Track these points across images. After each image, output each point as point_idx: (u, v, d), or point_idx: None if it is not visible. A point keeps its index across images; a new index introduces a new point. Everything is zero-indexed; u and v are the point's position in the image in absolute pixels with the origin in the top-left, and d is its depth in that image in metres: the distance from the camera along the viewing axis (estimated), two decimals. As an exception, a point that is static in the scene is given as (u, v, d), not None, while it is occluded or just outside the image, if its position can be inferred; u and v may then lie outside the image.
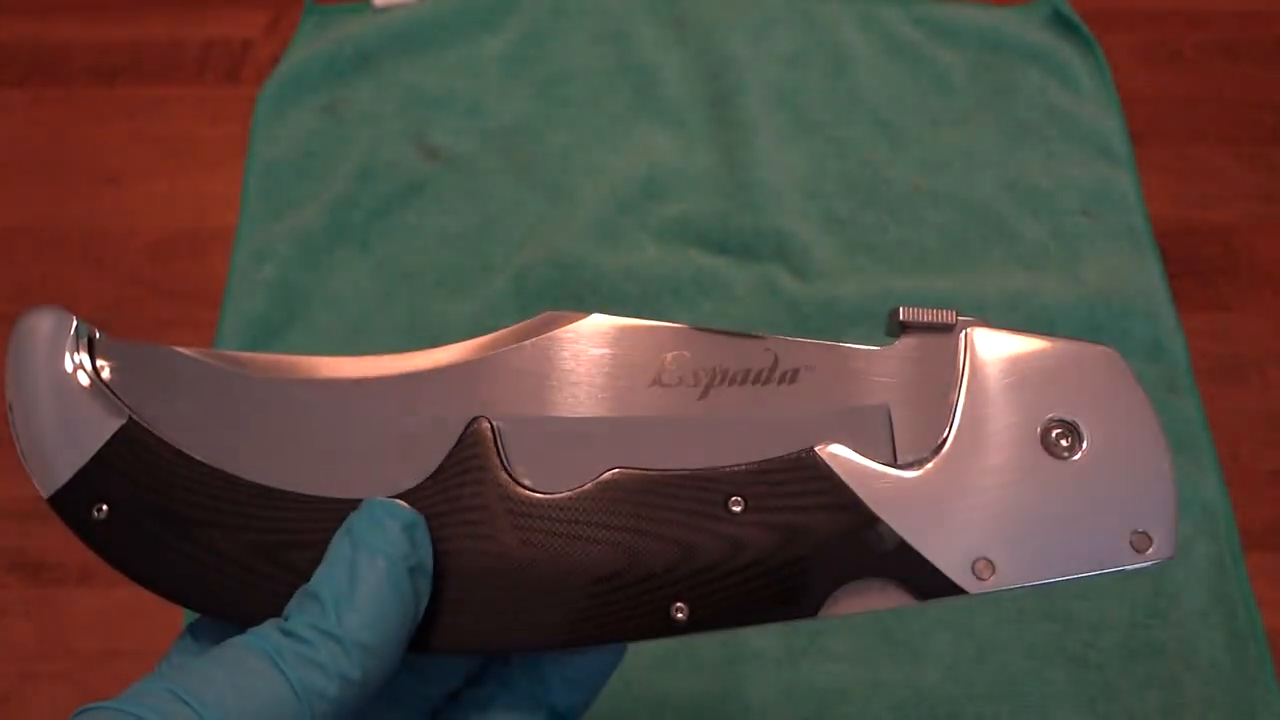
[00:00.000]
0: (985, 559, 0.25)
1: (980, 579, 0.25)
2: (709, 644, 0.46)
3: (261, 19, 0.64)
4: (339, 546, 0.25)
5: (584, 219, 0.56)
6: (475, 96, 0.60)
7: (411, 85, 0.61)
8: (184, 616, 0.47)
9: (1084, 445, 0.26)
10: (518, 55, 0.62)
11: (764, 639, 0.46)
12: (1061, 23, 0.63)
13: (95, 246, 0.57)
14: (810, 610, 0.26)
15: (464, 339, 0.57)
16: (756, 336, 0.28)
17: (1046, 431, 0.27)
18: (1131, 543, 0.26)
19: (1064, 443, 0.26)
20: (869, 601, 0.26)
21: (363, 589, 0.24)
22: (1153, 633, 0.46)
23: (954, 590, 0.25)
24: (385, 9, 0.63)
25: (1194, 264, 0.56)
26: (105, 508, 0.26)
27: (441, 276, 0.55)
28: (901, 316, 0.28)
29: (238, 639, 0.24)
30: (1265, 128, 0.61)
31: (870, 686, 0.45)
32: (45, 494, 0.27)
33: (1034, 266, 0.55)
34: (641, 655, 0.46)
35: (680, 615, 0.25)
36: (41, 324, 0.27)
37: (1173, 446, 0.50)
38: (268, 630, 0.24)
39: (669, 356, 0.28)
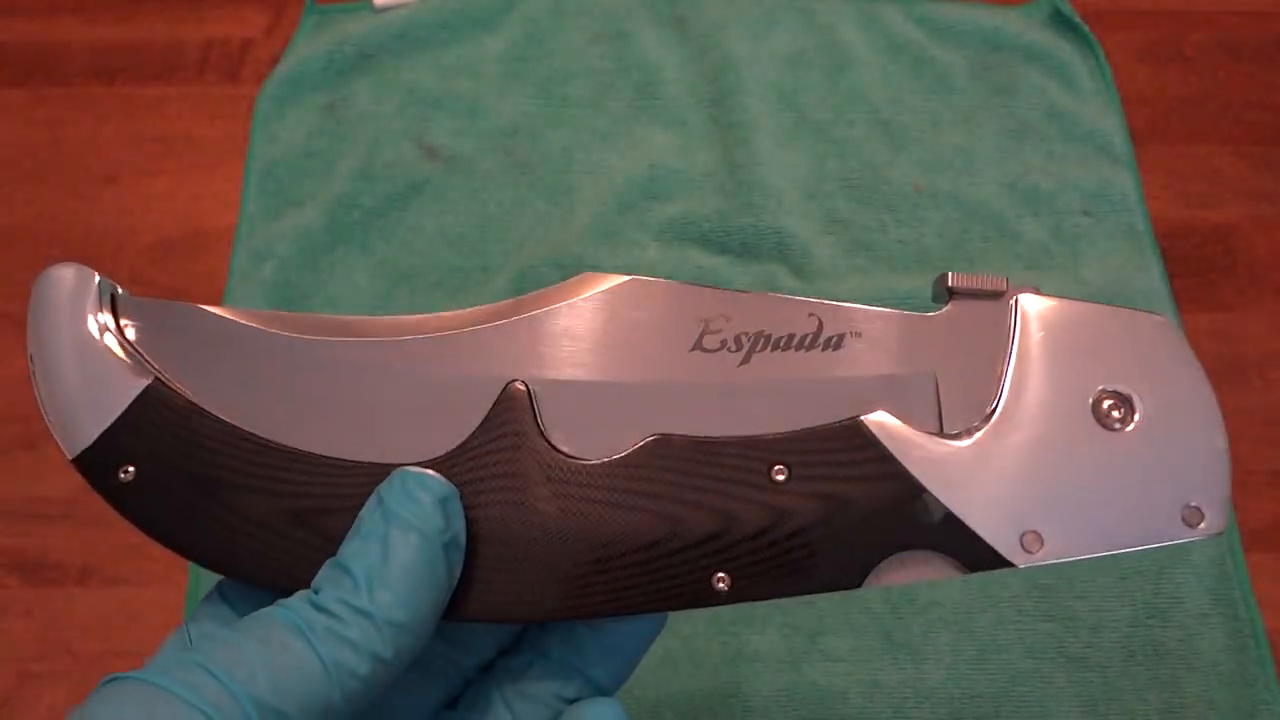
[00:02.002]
0: (1034, 531, 0.25)
1: (1028, 552, 0.25)
2: (709, 644, 0.46)
3: (261, 19, 0.64)
4: (371, 519, 0.24)
5: (584, 219, 0.56)
6: (475, 96, 0.60)
7: (411, 85, 0.61)
8: (184, 615, 0.47)
9: (1136, 416, 0.26)
10: (518, 55, 0.62)
11: (764, 639, 0.46)
12: (1062, 23, 0.63)
13: (95, 246, 0.57)
14: (854, 581, 0.25)
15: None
16: (800, 300, 0.27)
17: (1098, 402, 0.26)
18: (1183, 517, 0.25)
19: (1116, 414, 0.26)
20: (915, 573, 0.25)
21: (395, 565, 0.23)
22: (1153, 633, 0.46)
23: (1001, 563, 0.25)
24: (385, 9, 0.63)
25: (1194, 264, 0.56)
26: (131, 470, 0.26)
27: (441, 276, 0.55)
28: (950, 283, 0.27)
29: (268, 611, 0.23)
30: (1265, 128, 0.61)
31: (870, 687, 0.45)
32: (70, 455, 0.26)
33: (1034, 266, 0.55)
34: (641, 655, 0.46)
35: (722, 585, 0.25)
36: (63, 281, 0.27)
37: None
38: (299, 604, 0.23)
39: (710, 321, 0.27)
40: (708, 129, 0.59)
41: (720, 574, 0.25)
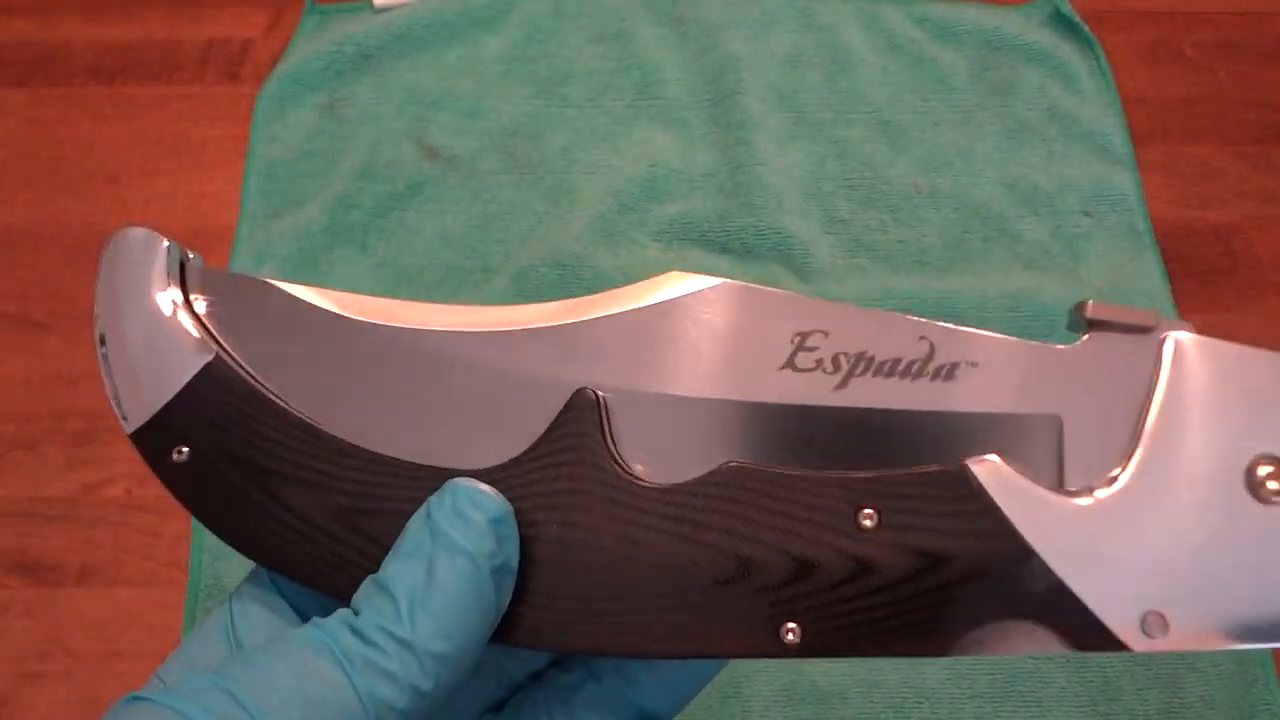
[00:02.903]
0: (1158, 613, 0.22)
1: (1149, 636, 0.22)
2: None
3: (261, 19, 0.64)
4: (417, 536, 0.23)
5: (584, 219, 0.56)
6: (475, 96, 0.60)
7: (411, 85, 0.61)
8: (183, 616, 0.47)
9: None
10: (518, 55, 0.62)
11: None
12: (1062, 23, 0.63)
13: (95, 246, 0.56)
14: (940, 648, 0.22)
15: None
16: (913, 320, 0.24)
17: (1253, 468, 0.22)
18: None
19: (1274, 484, 0.22)
20: (1013, 645, 0.22)
21: (440, 591, 0.22)
22: (1153, 633, 0.46)
23: (1116, 646, 0.22)
24: (385, 9, 0.63)
25: (1194, 264, 0.56)
26: (186, 450, 0.25)
27: (441, 276, 0.55)
28: (1090, 313, 0.23)
29: (304, 633, 0.22)
30: (1265, 128, 0.61)
31: (870, 686, 0.45)
32: (127, 430, 0.25)
33: (1034, 266, 0.55)
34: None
35: (791, 637, 0.23)
36: (131, 247, 0.26)
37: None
38: (337, 627, 0.22)
39: (807, 336, 0.24)
40: (708, 129, 0.59)
41: (791, 624, 0.22)
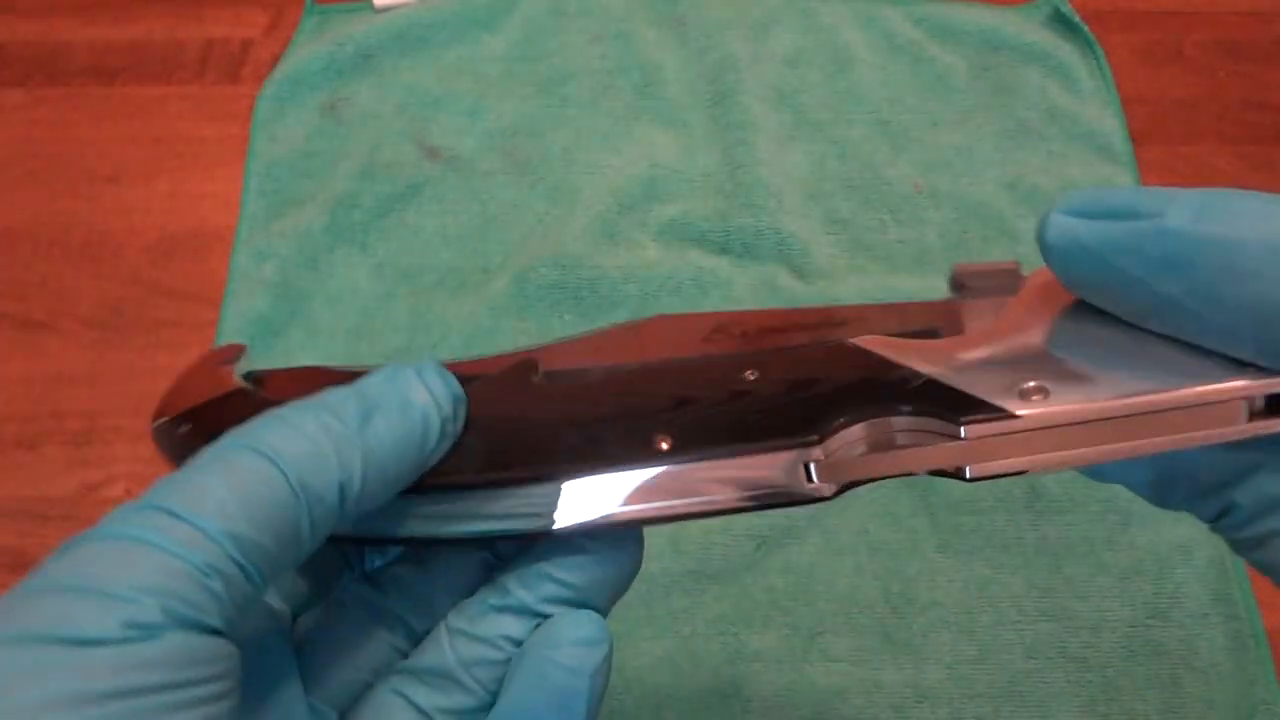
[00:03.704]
0: (1040, 386, 0.23)
1: (1031, 399, 0.23)
2: (709, 644, 0.46)
3: (261, 19, 0.64)
4: (389, 368, 0.24)
5: (584, 219, 0.56)
6: (475, 96, 0.60)
7: (411, 85, 0.61)
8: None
9: None
10: (518, 55, 0.62)
11: (764, 639, 0.46)
12: (1062, 23, 0.63)
13: (95, 246, 0.57)
14: (817, 437, 0.24)
15: (464, 339, 0.57)
16: (807, 307, 0.29)
17: None
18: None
19: None
20: (909, 456, 0.24)
21: (398, 406, 0.23)
22: (1153, 633, 0.46)
23: (998, 413, 0.23)
24: (385, 9, 0.63)
25: (1194, 264, 0.56)
26: (188, 427, 0.27)
27: (441, 276, 0.55)
28: (958, 273, 0.28)
29: (227, 440, 0.22)
30: (1265, 128, 0.61)
31: (870, 686, 0.45)
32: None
33: (1035, 266, 0.55)
34: (642, 655, 0.46)
35: (664, 445, 0.25)
36: (215, 354, 0.29)
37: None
38: (267, 423, 0.22)
39: (722, 326, 0.28)
40: (708, 129, 0.59)
41: (663, 435, 0.25)
